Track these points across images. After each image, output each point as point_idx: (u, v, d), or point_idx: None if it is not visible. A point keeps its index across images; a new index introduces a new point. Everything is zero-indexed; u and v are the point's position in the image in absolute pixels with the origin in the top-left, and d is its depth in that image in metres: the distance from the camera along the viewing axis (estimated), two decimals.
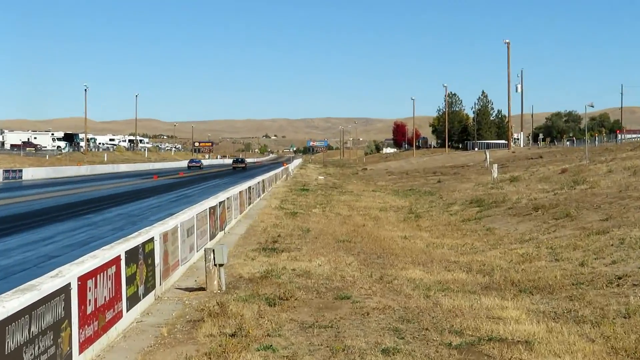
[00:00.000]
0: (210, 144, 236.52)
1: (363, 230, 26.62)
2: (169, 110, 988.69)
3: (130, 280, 10.96)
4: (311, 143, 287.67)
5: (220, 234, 22.27)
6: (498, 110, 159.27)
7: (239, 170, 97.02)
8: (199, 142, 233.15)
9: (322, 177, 75.26)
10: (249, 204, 33.24)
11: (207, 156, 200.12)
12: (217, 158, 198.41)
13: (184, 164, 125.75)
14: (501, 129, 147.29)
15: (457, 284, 15.48)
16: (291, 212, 32.06)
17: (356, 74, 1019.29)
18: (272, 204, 35.70)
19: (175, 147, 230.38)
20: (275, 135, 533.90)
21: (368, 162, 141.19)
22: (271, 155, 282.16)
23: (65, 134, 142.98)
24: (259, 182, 41.11)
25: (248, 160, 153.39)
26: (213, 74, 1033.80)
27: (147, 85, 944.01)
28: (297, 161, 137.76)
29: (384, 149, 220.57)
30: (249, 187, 34.38)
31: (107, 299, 9.77)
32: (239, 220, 27.65)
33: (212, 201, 21.89)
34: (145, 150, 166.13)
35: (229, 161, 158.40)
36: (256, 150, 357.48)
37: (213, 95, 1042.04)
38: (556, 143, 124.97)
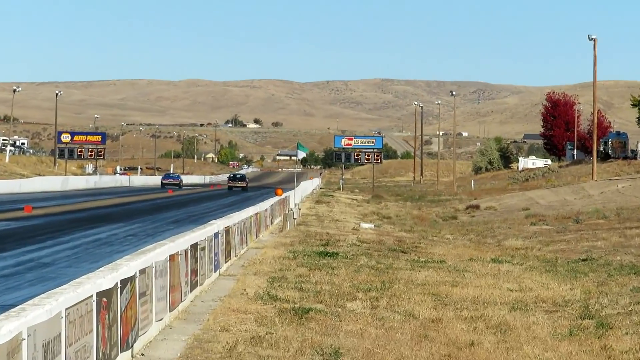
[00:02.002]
0: (100, 138, 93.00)
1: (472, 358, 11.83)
2: None
3: None
4: (344, 141, 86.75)
5: None
6: None
7: (236, 191, 71.70)
8: (72, 135, 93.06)
9: (371, 225, 38.52)
10: (194, 286, 15.16)
11: (89, 167, 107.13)
12: (115, 172, 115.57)
13: (33, 185, 65.80)
14: None
15: None
16: (294, 307, 14.80)
17: None
18: (249, 287, 16.77)
19: (11, 145, 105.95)
20: (256, 122, 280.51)
21: (481, 189, 72.77)
22: (248, 169, 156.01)
23: None
24: (218, 233, 18.16)
25: (186, 180, 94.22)
26: None
27: None
28: (311, 183, 73.65)
29: (520, 158, 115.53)
30: (194, 246, 14.99)
31: None
32: (167, 327, 12.73)
33: (103, 279, 9.18)
34: None
35: (152, 180, 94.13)
36: (209, 155, 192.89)
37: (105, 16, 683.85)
38: None
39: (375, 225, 38.80)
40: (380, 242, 28.59)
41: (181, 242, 13.91)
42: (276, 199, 36.38)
